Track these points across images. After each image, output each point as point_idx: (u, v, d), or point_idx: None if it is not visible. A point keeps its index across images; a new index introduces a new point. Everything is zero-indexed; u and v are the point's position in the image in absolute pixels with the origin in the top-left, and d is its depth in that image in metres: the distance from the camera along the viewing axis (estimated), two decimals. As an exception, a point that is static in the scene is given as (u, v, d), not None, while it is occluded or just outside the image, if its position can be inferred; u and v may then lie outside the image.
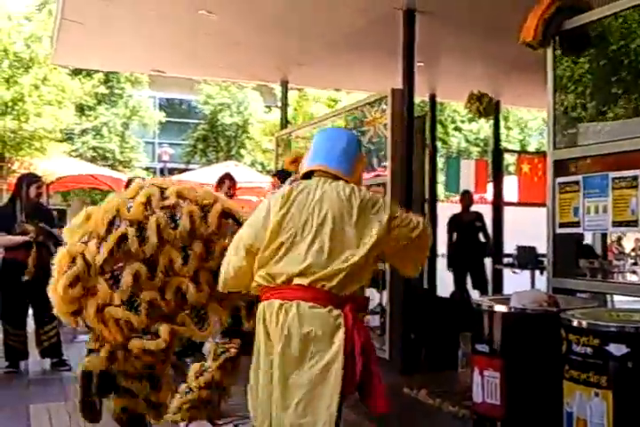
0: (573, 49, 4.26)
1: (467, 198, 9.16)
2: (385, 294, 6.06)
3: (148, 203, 3.26)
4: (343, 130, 3.67)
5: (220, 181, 6.74)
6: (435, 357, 5.80)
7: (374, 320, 7.07)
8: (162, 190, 3.33)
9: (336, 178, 2.64)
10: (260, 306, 2.55)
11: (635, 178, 3.53)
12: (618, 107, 4.31)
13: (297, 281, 2.45)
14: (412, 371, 5.55)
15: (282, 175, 5.99)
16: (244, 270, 2.61)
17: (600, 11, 3.98)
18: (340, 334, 2.41)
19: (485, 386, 3.40)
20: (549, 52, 4.21)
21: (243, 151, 24.36)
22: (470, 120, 22.16)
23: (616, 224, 3.64)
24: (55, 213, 6.79)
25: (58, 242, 5.94)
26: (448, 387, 4.95)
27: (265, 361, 2.50)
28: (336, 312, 2.43)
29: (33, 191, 5.78)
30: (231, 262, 2.65)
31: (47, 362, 5.95)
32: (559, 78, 4.25)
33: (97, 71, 15.58)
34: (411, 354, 5.69)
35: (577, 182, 3.88)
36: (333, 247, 2.46)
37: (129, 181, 6.85)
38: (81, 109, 19.43)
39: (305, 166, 2.77)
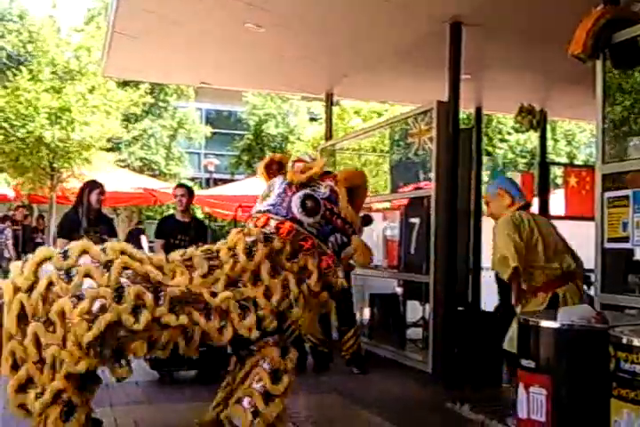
0: (624, 62, 4.20)
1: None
2: (428, 307, 6.02)
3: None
4: None
5: None
6: (478, 372, 5.73)
7: (417, 333, 7.05)
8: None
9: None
10: None
11: (687, 193, 3.46)
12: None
13: None
14: (454, 386, 5.49)
15: None
16: None
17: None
18: None
19: (531, 402, 3.35)
20: (599, 64, 4.16)
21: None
22: (517, 131, 21.92)
23: (667, 240, 3.57)
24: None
25: None
26: (492, 402, 4.89)
27: None
28: None
29: (94, 198, 5.85)
30: None
31: None
32: (608, 91, 4.19)
33: (143, 82, 15.88)
34: (454, 368, 5.63)
35: (627, 197, 3.81)
36: None
37: (174, 189, 6.96)
38: (127, 120, 19.84)
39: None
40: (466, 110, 9.93)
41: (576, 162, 21.77)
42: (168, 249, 6.40)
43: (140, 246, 13.63)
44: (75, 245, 3.42)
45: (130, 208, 17.98)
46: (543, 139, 10.05)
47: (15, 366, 3.29)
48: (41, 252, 3.43)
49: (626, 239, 3.82)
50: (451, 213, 5.76)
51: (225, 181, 20.97)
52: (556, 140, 23.23)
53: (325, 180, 3.94)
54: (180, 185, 7.11)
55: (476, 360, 5.75)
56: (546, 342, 3.37)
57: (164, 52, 7.42)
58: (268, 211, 3.87)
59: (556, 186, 13.22)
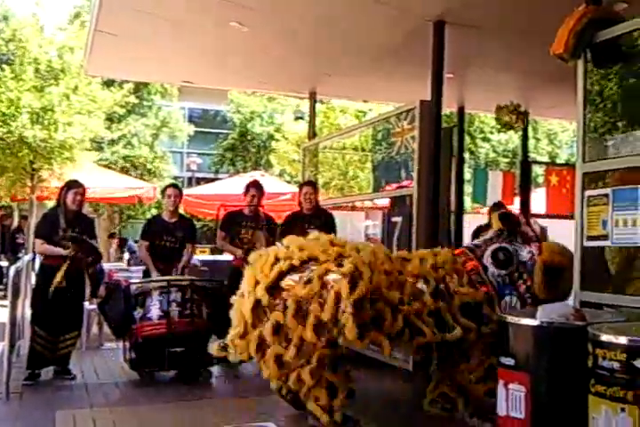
0: (605, 62, 4.22)
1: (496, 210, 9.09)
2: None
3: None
4: None
5: (246, 190, 6.80)
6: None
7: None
8: None
9: None
10: None
11: (665, 191, 3.50)
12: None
13: None
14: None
15: None
16: None
17: (633, 23, 3.94)
18: None
19: (510, 399, 3.37)
20: (580, 64, 4.18)
21: (273, 161, 24.46)
22: (499, 131, 22.01)
23: (646, 237, 3.60)
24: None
25: (96, 256, 6.02)
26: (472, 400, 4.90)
27: None
28: None
29: (71, 198, 5.74)
30: None
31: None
32: (590, 91, 4.22)
33: (127, 82, 15.79)
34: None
35: (606, 195, 3.84)
36: None
37: (164, 188, 6.92)
38: (110, 120, 19.71)
39: None
40: (449, 109, 9.96)
41: (558, 161, 21.92)
42: (153, 250, 6.43)
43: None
44: None
45: (112, 207, 17.91)
46: (525, 138, 10.12)
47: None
48: None
49: (605, 237, 3.85)
50: (432, 211, 5.78)
51: (208, 180, 20.90)
52: (537, 140, 23.39)
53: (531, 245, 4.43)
54: (173, 185, 7.11)
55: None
56: (525, 339, 3.39)
57: (146, 50, 7.38)
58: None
59: (538, 185, 13.30)
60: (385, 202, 7.56)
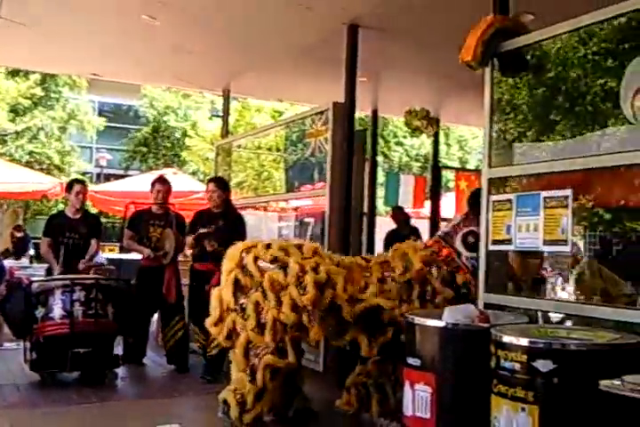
0: (510, 71, 4.36)
1: (398, 214, 9.31)
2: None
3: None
4: None
5: (152, 186, 6.66)
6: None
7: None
8: None
9: None
10: None
11: (565, 198, 3.62)
12: (552, 129, 4.44)
13: None
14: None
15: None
16: None
17: (537, 34, 4.08)
18: None
19: (416, 399, 3.42)
20: (487, 72, 4.29)
21: (187, 158, 24.05)
22: (411, 135, 22.52)
23: (547, 243, 3.72)
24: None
25: None
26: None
27: None
28: None
29: None
30: None
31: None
32: (497, 99, 4.34)
33: (34, 72, 15.17)
34: (346, 367, 5.67)
35: (510, 200, 3.96)
36: None
37: (70, 184, 6.68)
38: (15, 112, 18.91)
39: None
40: (363, 112, 10.08)
41: (467, 167, 22.57)
42: (57, 248, 6.20)
43: None
44: None
45: (15, 206, 17.18)
46: (436, 144, 10.37)
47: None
48: None
49: (509, 241, 3.96)
50: (344, 212, 5.82)
51: (117, 177, 20.36)
52: (449, 146, 24.02)
53: None
54: (80, 181, 6.93)
55: (368, 358, 5.82)
56: (431, 340, 3.45)
57: (54, 41, 7.10)
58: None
59: (448, 189, 13.66)
60: (298, 203, 7.57)
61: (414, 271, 4.35)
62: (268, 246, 4.29)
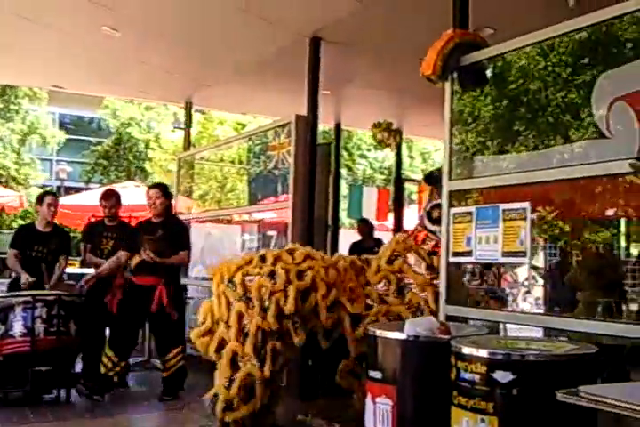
0: (470, 85, 4.41)
1: (363, 226, 9.34)
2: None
3: None
4: None
5: (99, 202, 6.56)
6: (333, 383, 5.77)
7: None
8: None
9: None
10: None
11: (524, 210, 3.67)
12: (513, 141, 4.49)
13: None
14: (308, 397, 5.50)
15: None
16: None
17: (495, 48, 4.15)
18: None
19: (377, 412, 3.41)
20: (447, 86, 4.34)
21: (149, 170, 23.84)
22: (375, 148, 22.65)
23: (506, 254, 3.76)
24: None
25: None
26: (343, 413, 4.93)
27: None
28: None
29: None
30: None
31: None
32: (458, 112, 4.39)
33: (-7, 84, 14.99)
34: (308, 380, 5.65)
35: (470, 213, 3.99)
36: None
37: (42, 196, 6.52)
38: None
39: None
40: (327, 125, 10.11)
41: (430, 179, 22.69)
42: (24, 260, 6.04)
43: None
44: None
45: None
46: (399, 156, 10.44)
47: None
48: None
49: (469, 253, 3.99)
50: (307, 224, 5.82)
51: (78, 190, 20.07)
52: (412, 158, 24.20)
53: None
54: (52, 193, 6.84)
55: (330, 372, 5.80)
56: (392, 353, 3.44)
57: (13, 52, 7.01)
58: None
59: (412, 201, 13.75)
60: (261, 215, 7.55)
61: (384, 263, 4.45)
62: (263, 259, 4.38)
